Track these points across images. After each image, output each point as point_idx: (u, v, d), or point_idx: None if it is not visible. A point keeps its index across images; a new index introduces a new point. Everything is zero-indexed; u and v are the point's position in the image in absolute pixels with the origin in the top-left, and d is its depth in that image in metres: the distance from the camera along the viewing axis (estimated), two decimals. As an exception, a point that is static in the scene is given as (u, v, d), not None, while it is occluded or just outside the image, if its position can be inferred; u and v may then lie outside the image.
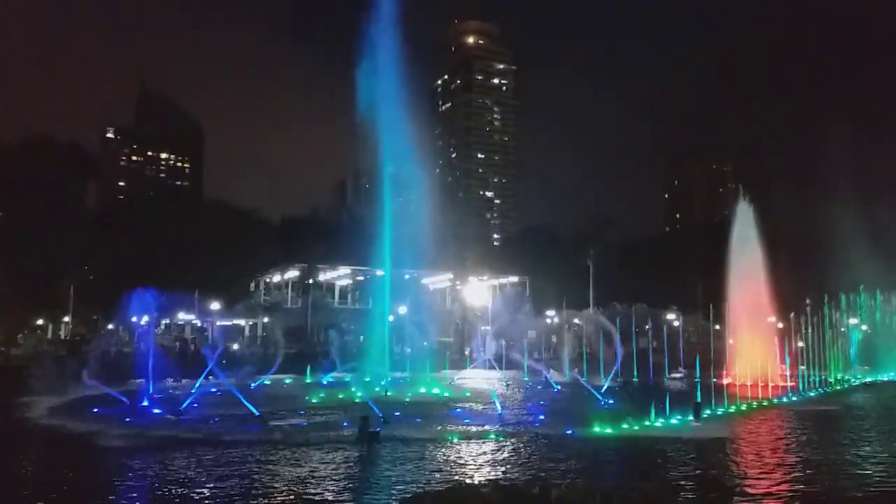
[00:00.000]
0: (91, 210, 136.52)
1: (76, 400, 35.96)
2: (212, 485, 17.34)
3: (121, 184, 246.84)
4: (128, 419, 27.98)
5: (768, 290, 55.49)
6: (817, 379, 51.67)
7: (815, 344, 57.30)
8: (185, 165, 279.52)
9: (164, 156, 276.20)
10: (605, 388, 39.01)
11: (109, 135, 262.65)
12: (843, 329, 65.64)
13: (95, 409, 30.82)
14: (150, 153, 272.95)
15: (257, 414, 29.08)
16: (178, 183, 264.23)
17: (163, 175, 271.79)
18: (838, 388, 49.86)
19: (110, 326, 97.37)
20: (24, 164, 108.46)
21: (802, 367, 54.87)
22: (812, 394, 42.25)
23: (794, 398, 39.83)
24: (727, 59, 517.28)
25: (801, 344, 56.51)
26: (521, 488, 6.60)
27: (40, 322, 58.86)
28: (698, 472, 19.37)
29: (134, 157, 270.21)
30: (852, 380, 55.14)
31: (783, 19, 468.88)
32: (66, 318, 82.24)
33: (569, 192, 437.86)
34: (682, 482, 17.57)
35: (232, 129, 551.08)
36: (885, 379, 57.33)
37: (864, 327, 72.63)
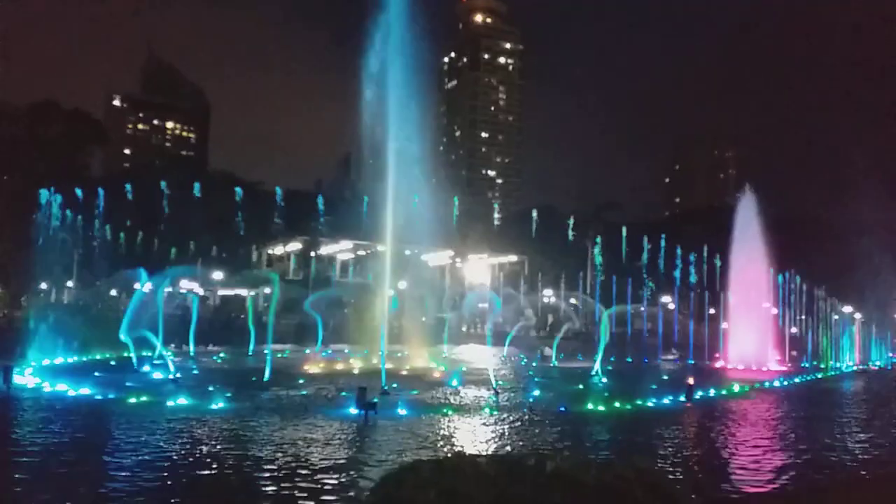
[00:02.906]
0: (96, 176, 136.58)
1: (80, 364, 36.74)
2: (205, 449, 17.75)
3: (126, 151, 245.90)
4: (128, 383, 28.61)
5: (766, 277, 55.85)
6: (809, 364, 52.26)
7: (809, 331, 57.80)
8: (191, 135, 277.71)
9: (170, 125, 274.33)
10: (598, 367, 39.52)
11: (116, 102, 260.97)
12: (836, 317, 66.07)
13: (97, 373, 31.50)
14: (156, 122, 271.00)
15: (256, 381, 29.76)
16: (184, 153, 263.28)
17: (168, 144, 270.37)
18: (830, 374, 50.36)
19: (113, 293, 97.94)
20: (28, 130, 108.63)
21: (794, 353, 55.47)
22: (804, 379, 42.72)
23: (785, 382, 40.33)
24: (733, 44, 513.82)
25: (794, 330, 57.02)
26: (517, 459, 6.96)
27: (44, 286, 59.26)
28: (689, 450, 19.92)
29: (140, 126, 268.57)
30: (844, 366, 55.64)
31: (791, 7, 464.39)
32: (70, 283, 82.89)
33: (571, 173, 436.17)
34: (674, 459, 18.10)
35: (237, 101, 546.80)
36: (876, 366, 57.85)
37: (857, 315, 73.06)
